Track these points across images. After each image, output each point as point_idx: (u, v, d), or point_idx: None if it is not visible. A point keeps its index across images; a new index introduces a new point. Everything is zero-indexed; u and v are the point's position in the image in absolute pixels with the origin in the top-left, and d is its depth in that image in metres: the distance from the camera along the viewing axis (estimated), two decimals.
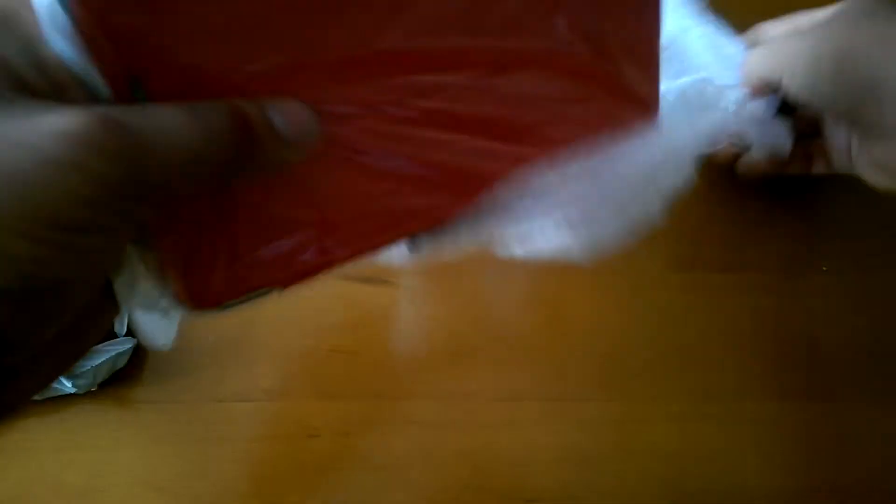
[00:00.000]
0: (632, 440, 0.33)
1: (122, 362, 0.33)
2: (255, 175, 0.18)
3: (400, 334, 0.35)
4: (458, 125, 0.22)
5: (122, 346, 0.33)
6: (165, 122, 0.15)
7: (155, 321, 0.21)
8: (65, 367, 0.19)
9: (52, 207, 0.14)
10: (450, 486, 0.32)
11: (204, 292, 0.20)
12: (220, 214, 0.19)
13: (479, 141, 0.23)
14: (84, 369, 0.32)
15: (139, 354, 0.34)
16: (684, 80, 0.28)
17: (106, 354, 0.32)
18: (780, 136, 0.30)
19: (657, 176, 0.25)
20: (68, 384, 0.32)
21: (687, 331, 0.35)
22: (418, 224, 0.23)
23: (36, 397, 0.26)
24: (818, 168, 0.32)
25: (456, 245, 0.24)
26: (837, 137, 0.30)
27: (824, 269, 0.36)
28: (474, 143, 0.23)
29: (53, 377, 0.19)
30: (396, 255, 0.24)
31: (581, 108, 0.24)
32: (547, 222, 0.24)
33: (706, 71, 0.29)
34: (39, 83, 0.15)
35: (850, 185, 0.31)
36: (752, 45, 0.30)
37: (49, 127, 0.14)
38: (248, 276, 0.20)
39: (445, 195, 0.23)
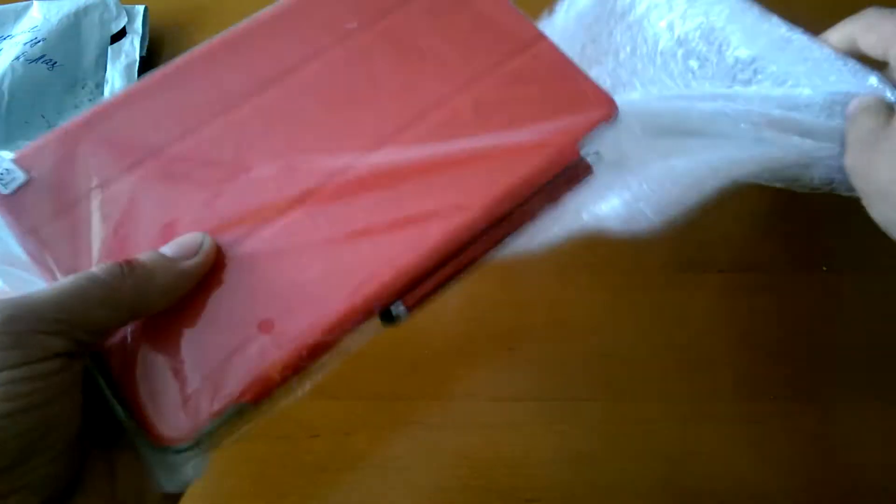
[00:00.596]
0: (632, 440, 0.33)
1: None
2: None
3: (400, 334, 0.35)
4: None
5: None
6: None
7: (175, 466, 0.22)
8: None
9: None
10: (450, 486, 0.33)
11: (170, 423, 0.21)
12: (164, 345, 0.21)
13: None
14: None
15: None
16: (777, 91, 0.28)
17: None
18: None
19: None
20: None
21: (687, 331, 0.35)
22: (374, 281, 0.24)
23: None
24: None
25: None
26: None
27: (824, 269, 0.36)
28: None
29: None
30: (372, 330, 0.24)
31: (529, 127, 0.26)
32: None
33: (800, 80, 0.29)
34: None
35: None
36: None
37: None
38: (210, 397, 0.21)
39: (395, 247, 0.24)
